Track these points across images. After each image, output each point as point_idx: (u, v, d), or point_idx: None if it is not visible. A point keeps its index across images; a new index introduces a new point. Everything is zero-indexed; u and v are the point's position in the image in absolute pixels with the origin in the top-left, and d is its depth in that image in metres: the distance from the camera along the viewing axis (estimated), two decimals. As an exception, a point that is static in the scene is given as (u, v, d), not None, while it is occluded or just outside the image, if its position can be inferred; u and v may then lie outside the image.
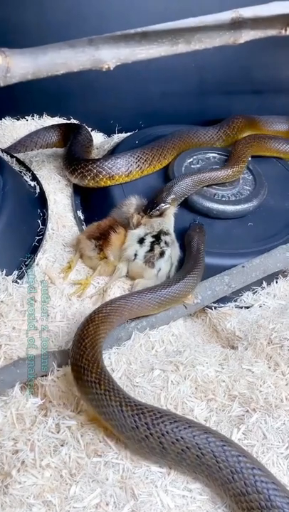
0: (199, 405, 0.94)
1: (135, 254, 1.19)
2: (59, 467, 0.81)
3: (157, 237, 1.21)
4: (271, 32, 1.00)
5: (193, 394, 0.96)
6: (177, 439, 0.77)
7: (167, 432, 0.77)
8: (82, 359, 0.87)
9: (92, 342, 0.91)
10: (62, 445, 0.84)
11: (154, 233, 1.21)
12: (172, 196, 1.26)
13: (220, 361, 1.04)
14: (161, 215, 1.25)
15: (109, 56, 0.90)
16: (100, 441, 0.85)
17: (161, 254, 1.19)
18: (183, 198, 1.32)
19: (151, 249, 1.19)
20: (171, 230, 1.25)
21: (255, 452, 0.86)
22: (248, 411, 0.93)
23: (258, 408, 0.93)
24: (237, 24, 0.94)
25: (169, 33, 0.90)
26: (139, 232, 1.22)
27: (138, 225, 1.24)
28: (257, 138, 1.58)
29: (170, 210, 1.26)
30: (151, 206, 1.25)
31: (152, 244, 1.20)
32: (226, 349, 1.12)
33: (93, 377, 0.83)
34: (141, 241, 1.21)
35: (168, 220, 1.25)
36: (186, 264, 1.17)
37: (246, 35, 0.96)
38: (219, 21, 0.92)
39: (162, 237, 1.21)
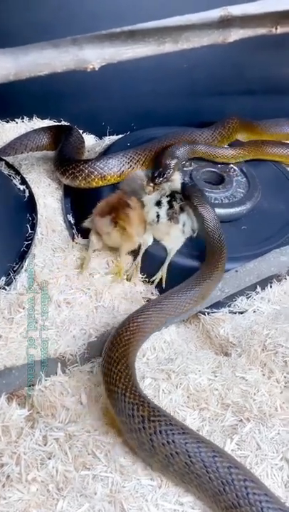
0: (191, 414, 0.92)
1: (157, 216, 1.23)
2: (46, 481, 0.79)
3: (172, 196, 1.26)
4: (261, 31, 0.98)
5: (185, 403, 0.94)
6: (168, 442, 0.76)
7: (160, 432, 0.77)
8: (118, 337, 0.92)
9: (136, 330, 0.95)
10: (49, 458, 0.82)
11: (168, 193, 1.27)
12: (175, 161, 1.32)
13: (213, 369, 1.02)
14: (167, 181, 1.29)
15: (94, 56, 0.88)
16: (89, 454, 0.83)
17: (182, 209, 1.24)
18: (182, 163, 1.41)
19: (171, 207, 1.24)
20: None
21: (249, 463, 0.84)
22: (241, 420, 0.91)
23: (252, 417, 0.91)
24: (226, 22, 0.92)
25: (156, 32, 0.88)
26: (154, 196, 1.27)
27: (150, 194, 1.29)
28: (265, 143, 1.58)
29: (176, 176, 1.31)
30: (158, 175, 1.28)
31: (170, 202, 1.25)
32: (219, 356, 1.09)
33: (116, 356, 0.87)
34: (158, 204, 1.25)
35: (176, 183, 1.30)
36: (210, 249, 1.17)
37: (235, 34, 0.94)
38: (207, 19, 0.90)
39: (177, 196, 1.27)
